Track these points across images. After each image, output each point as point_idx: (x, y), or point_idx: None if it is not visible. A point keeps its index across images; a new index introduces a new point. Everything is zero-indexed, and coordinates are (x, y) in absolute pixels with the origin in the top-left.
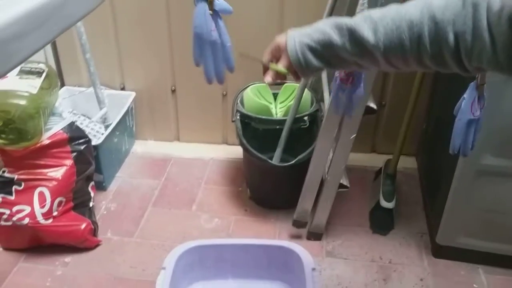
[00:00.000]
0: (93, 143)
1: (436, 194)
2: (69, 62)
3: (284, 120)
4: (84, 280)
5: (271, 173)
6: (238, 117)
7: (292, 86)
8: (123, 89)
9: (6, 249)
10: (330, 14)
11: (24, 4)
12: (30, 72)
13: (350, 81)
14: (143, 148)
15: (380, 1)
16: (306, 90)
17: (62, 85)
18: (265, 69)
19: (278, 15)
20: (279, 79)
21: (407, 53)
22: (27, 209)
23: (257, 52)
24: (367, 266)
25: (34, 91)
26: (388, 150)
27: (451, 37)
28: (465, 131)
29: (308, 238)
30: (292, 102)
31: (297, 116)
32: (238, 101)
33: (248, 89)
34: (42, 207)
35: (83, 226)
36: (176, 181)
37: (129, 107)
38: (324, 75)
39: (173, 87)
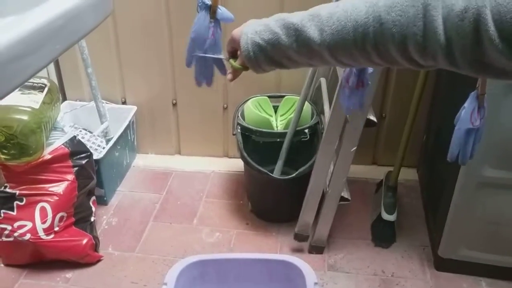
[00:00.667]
0: (95, 157)
1: (438, 206)
2: (71, 76)
3: (285, 133)
4: None
5: (272, 186)
6: (238, 130)
7: (292, 98)
8: (124, 103)
9: (8, 265)
10: None
11: (25, 26)
12: (32, 87)
13: (361, 85)
14: (144, 161)
15: None
16: (306, 102)
17: (64, 99)
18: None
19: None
20: (239, 75)
21: (355, 53)
22: (29, 224)
23: None
24: (369, 280)
25: (36, 106)
26: (389, 162)
27: (398, 38)
28: (463, 140)
29: (310, 252)
30: (292, 114)
31: (298, 128)
32: (239, 114)
33: (249, 102)
34: (44, 222)
35: (84, 241)
36: (177, 194)
37: (130, 121)
38: (324, 86)
39: (174, 101)
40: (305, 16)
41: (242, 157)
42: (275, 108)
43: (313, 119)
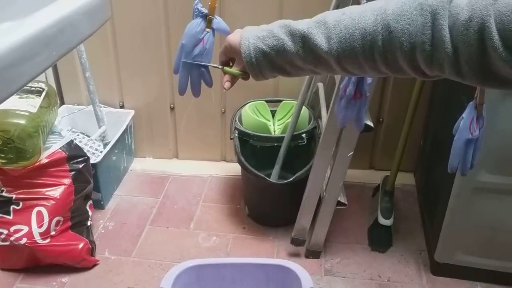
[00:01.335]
0: (92, 161)
1: (434, 211)
2: (69, 80)
3: (282, 137)
4: None
5: (269, 191)
6: (236, 134)
7: (290, 103)
8: (122, 107)
9: (3, 269)
10: None
11: (21, 33)
12: (29, 91)
13: (359, 96)
14: (141, 165)
15: None
16: (304, 107)
17: (62, 103)
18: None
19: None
20: (236, 81)
21: (361, 61)
22: (25, 228)
23: None
24: (366, 285)
25: (34, 110)
26: (386, 167)
27: (406, 46)
28: (463, 151)
29: (307, 256)
30: (290, 119)
31: (295, 133)
32: (236, 119)
33: (246, 107)
34: (40, 226)
35: (80, 245)
36: (174, 199)
37: (128, 125)
38: (321, 91)
39: (172, 105)
40: (311, 24)
41: (240, 162)
42: (273, 113)
43: (311, 123)
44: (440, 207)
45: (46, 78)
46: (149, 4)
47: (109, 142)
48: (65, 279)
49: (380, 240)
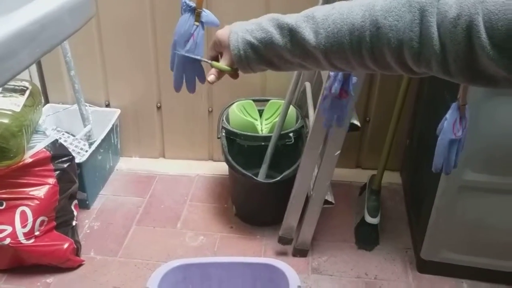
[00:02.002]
0: (77, 160)
1: (420, 209)
2: (54, 79)
3: (270, 137)
4: None
5: (257, 190)
6: (223, 134)
7: (277, 102)
8: (108, 106)
9: None
10: None
11: (3, 29)
12: (13, 90)
13: (344, 96)
14: (128, 165)
15: None
16: (291, 106)
17: (47, 102)
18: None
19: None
20: (222, 76)
21: (349, 56)
22: (9, 229)
23: None
24: (352, 283)
25: (17, 109)
26: (373, 166)
27: (394, 43)
28: (447, 151)
29: (294, 255)
30: (277, 118)
31: (283, 132)
32: (224, 118)
33: (234, 106)
34: (24, 226)
35: (65, 245)
36: (161, 198)
37: (113, 124)
38: (308, 91)
39: (159, 104)
40: (299, 17)
41: (227, 161)
42: (260, 112)
43: (298, 123)
44: (426, 206)
45: (30, 76)
46: (134, 2)
47: (95, 141)
48: (50, 279)
49: (367, 238)
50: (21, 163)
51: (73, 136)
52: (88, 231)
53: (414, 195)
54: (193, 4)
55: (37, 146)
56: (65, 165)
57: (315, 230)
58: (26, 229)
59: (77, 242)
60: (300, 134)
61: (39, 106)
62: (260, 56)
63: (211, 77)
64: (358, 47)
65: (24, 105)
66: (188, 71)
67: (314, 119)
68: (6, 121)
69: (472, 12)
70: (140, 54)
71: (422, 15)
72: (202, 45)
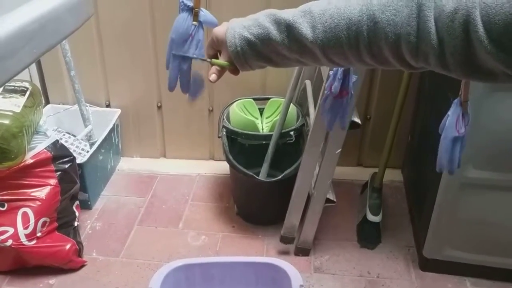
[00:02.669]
0: (78, 161)
1: (422, 207)
2: (54, 79)
3: (271, 135)
4: None
5: (258, 189)
6: (224, 133)
7: (278, 101)
8: (108, 106)
9: None
10: None
11: (3, 28)
12: (13, 91)
13: (345, 93)
14: (129, 165)
15: None
16: (292, 105)
17: (47, 102)
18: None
19: None
20: (223, 74)
21: (346, 51)
22: (11, 230)
23: None
24: (355, 281)
25: (18, 110)
26: (374, 163)
27: (392, 37)
28: (450, 149)
29: (296, 254)
30: (278, 117)
31: (283, 131)
32: (224, 117)
33: (234, 105)
34: (26, 228)
35: (67, 246)
36: (162, 198)
37: (114, 124)
38: (309, 89)
39: (159, 103)
40: (296, 13)
41: (228, 160)
42: (261, 111)
43: (299, 121)
44: (428, 203)
45: (30, 77)
46: (134, 1)
47: (96, 141)
48: (52, 280)
49: (369, 236)
50: (22, 164)
51: (74, 136)
52: (90, 231)
53: (416, 192)
54: (191, 4)
55: (38, 147)
56: (66, 166)
57: (317, 229)
58: (28, 231)
59: (79, 243)
60: (301, 132)
61: (40, 106)
62: (257, 52)
63: (212, 76)
64: (355, 42)
65: (25, 106)
66: (184, 70)
67: (315, 117)
68: (6, 122)
69: (469, 6)
70: (140, 53)
71: (420, 9)
72: (202, 45)
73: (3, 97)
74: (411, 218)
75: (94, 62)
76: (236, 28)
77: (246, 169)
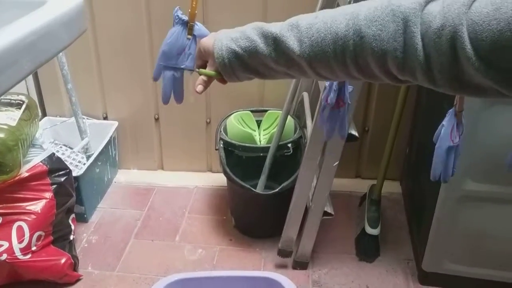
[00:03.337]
0: (75, 174)
1: (421, 220)
2: (51, 92)
3: (268, 148)
4: None
5: (255, 202)
6: (221, 145)
7: (275, 113)
8: (105, 118)
9: None
10: None
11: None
12: (9, 104)
13: (341, 104)
14: (126, 177)
15: None
16: (289, 117)
17: (44, 115)
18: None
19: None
20: (209, 84)
21: (333, 65)
22: (5, 244)
23: None
24: None
25: (13, 124)
26: (372, 175)
27: (378, 52)
28: (445, 158)
29: (294, 268)
30: (275, 129)
31: (281, 143)
32: (221, 129)
33: (232, 117)
34: (20, 242)
35: (62, 260)
36: (159, 211)
37: (111, 136)
38: (306, 101)
39: (157, 116)
40: (283, 26)
41: (225, 172)
42: (258, 123)
43: (296, 133)
44: (426, 216)
45: (27, 90)
46: (131, 14)
47: (92, 154)
48: None
49: (367, 249)
50: (17, 178)
51: (71, 149)
52: (86, 245)
53: (415, 205)
54: (185, 18)
55: (34, 160)
56: (62, 179)
57: (315, 242)
58: (23, 245)
59: (75, 257)
60: (298, 144)
61: (36, 119)
62: (245, 64)
63: (199, 87)
64: (342, 56)
65: (20, 119)
66: (177, 82)
67: (312, 130)
68: (1, 135)
69: (457, 23)
70: (137, 66)
71: (406, 25)
72: (193, 58)
73: None
74: (410, 230)
75: (91, 75)
76: (223, 40)
77: (243, 181)
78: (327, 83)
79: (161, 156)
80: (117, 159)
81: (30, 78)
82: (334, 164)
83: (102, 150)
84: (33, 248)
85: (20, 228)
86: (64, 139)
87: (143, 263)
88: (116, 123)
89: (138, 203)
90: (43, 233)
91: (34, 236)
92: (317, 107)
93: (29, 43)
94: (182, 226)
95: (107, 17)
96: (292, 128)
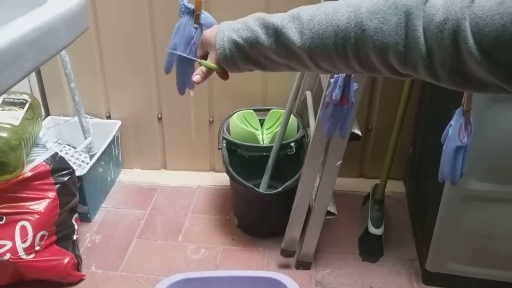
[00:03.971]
0: (78, 173)
1: (424, 219)
2: (54, 91)
3: (271, 147)
4: None
5: (258, 201)
6: (224, 144)
7: (278, 112)
8: (108, 117)
9: None
10: None
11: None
12: (12, 103)
13: (345, 101)
14: (129, 177)
15: None
16: (292, 116)
17: (47, 114)
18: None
19: None
20: (209, 76)
21: (334, 58)
22: (9, 244)
23: None
24: None
25: (16, 123)
26: (376, 175)
27: (379, 46)
28: (453, 159)
29: (297, 268)
30: (278, 128)
31: (284, 142)
32: (224, 128)
33: (234, 116)
34: (24, 241)
35: (66, 260)
36: (162, 210)
37: (114, 135)
38: (309, 100)
39: (160, 115)
40: (285, 18)
41: (228, 172)
42: (261, 122)
43: (299, 132)
44: (430, 216)
45: (31, 89)
46: (134, 13)
47: (96, 153)
48: None
49: (371, 249)
50: (20, 177)
51: (74, 148)
52: (89, 244)
53: (418, 204)
54: (191, 6)
55: (37, 160)
56: (65, 179)
57: (318, 242)
58: (26, 244)
59: (78, 257)
60: (301, 143)
61: (39, 119)
62: (246, 55)
63: (196, 77)
64: (343, 49)
65: (24, 118)
66: (189, 70)
67: (315, 129)
68: (4, 135)
69: (459, 16)
70: (140, 65)
71: (408, 18)
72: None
73: (2, 110)
74: (414, 230)
75: (95, 74)
76: (225, 31)
77: (246, 180)
78: (332, 79)
79: (164, 156)
80: (120, 158)
81: (33, 77)
82: (337, 164)
83: (105, 149)
84: (37, 248)
85: (23, 228)
86: (67, 138)
87: (146, 262)
88: (119, 122)
89: (141, 202)
90: (47, 233)
91: (38, 235)
92: (321, 103)
93: (31, 41)
94: (185, 226)
95: (110, 16)
96: (295, 127)
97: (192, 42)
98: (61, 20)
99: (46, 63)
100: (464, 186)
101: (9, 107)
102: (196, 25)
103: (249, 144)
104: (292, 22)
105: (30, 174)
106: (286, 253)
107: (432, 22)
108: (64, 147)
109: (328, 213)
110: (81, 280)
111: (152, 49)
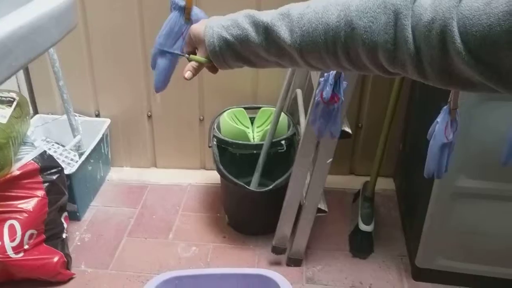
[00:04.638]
0: (67, 172)
1: (414, 216)
2: (43, 89)
3: (261, 145)
4: None
5: (249, 199)
6: (214, 142)
7: (269, 110)
8: (98, 115)
9: None
10: None
11: None
12: (0, 101)
13: (336, 100)
14: (119, 175)
15: None
16: (282, 114)
17: (35, 113)
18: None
19: None
20: (199, 72)
21: (324, 56)
22: None
23: None
24: None
25: (4, 121)
26: (366, 172)
27: (369, 44)
28: (439, 155)
29: (288, 265)
30: (269, 126)
31: (274, 140)
32: (215, 126)
33: (225, 114)
34: (12, 240)
35: (55, 259)
36: (152, 208)
37: (104, 134)
38: (300, 98)
39: (149, 113)
40: (275, 15)
41: (218, 170)
42: (252, 120)
43: (290, 130)
44: (419, 212)
45: (19, 87)
46: (123, 11)
47: (85, 151)
48: None
49: (361, 246)
50: (8, 176)
51: (63, 146)
52: (79, 243)
53: (408, 201)
54: (182, 2)
55: (25, 158)
56: (54, 177)
57: (308, 239)
58: (15, 243)
59: (67, 255)
60: (292, 141)
61: (27, 117)
62: (236, 53)
63: (187, 73)
64: (333, 47)
65: (11, 117)
66: (172, 68)
67: (305, 127)
68: None
69: (447, 16)
70: (129, 63)
71: (397, 17)
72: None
73: None
74: (403, 227)
75: (83, 72)
76: (214, 27)
77: (237, 178)
78: (321, 78)
79: (154, 154)
80: (109, 156)
81: (21, 75)
82: (328, 161)
83: (95, 147)
84: (25, 247)
85: (12, 227)
86: (56, 136)
87: (136, 261)
88: (108, 121)
89: (131, 201)
90: (35, 232)
91: (26, 234)
92: (311, 104)
93: (19, 38)
94: (176, 224)
95: (99, 14)
96: (286, 125)
97: (181, 37)
98: (49, 18)
99: (34, 60)
100: (453, 183)
101: None
102: (187, 21)
103: (240, 142)
104: (282, 20)
105: (18, 172)
106: (277, 250)
107: (420, 21)
108: (53, 145)
109: (319, 210)
110: (70, 278)
111: (141, 46)
